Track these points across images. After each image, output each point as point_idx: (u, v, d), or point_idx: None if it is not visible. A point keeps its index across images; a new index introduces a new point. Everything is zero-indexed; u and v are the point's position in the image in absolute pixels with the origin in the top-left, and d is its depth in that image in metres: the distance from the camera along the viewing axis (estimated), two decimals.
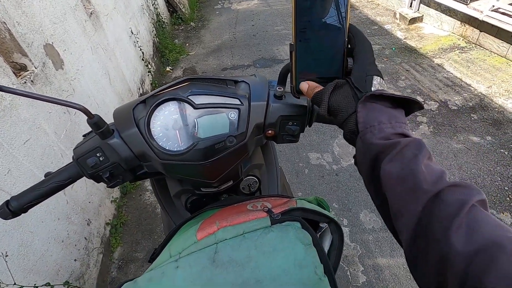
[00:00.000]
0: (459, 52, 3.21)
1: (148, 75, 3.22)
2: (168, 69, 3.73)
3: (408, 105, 0.40)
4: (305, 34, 0.43)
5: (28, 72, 1.33)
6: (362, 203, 1.92)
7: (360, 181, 2.06)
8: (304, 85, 0.45)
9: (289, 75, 0.49)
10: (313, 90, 0.44)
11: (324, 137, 2.43)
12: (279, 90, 0.56)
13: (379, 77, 0.41)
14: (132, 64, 2.78)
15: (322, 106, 0.42)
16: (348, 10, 0.41)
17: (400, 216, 0.34)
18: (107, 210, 1.86)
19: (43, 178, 0.56)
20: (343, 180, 2.08)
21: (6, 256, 1.04)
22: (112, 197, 1.97)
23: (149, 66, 3.27)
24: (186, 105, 0.53)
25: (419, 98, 2.67)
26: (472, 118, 2.42)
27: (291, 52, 0.45)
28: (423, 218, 0.31)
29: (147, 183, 2.20)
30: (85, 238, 1.56)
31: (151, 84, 3.26)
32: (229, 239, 0.46)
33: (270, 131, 0.58)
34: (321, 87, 0.44)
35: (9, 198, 0.53)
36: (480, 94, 2.65)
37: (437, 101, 2.64)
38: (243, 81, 0.58)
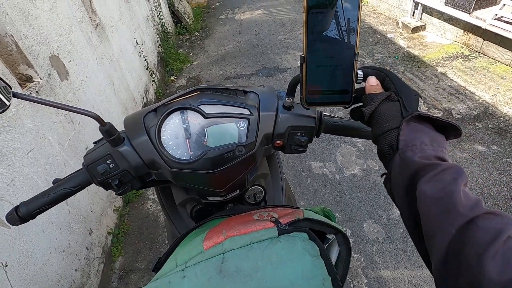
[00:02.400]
0: (462, 61, 3.20)
1: (152, 84, 3.26)
2: (172, 78, 3.77)
3: (448, 131, 0.41)
4: (315, 46, 0.43)
5: (33, 83, 1.36)
6: (365, 213, 1.90)
7: (364, 191, 2.04)
8: (374, 81, 0.45)
9: (298, 86, 0.50)
10: (371, 89, 0.45)
11: (327, 146, 2.42)
12: (288, 100, 0.57)
13: (421, 99, 0.43)
14: (136, 74, 2.82)
15: (368, 108, 0.43)
16: (359, 23, 0.42)
17: (432, 236, 0.34)
18: (109, 219, 1.86)
19: (51, 185, 0.57)
20: (346, 190, 2.06)
21: (6, 266, 1.04)
22: (114, 206, 1.97)
23: (154, 76, 3.31)
24: (196, 114, 0.53)
25: (423, 107, 2.65)
26: (477, 127, 2.40)
27: (301, 64, 0.45)
28: (457, 240, 0.31)
29: (150, 192, 2.20)
30: (86, 248, 1.56)
31: (155, 93, 3.30)
32: (236, 249, 0.46)
33: (278, 141, 0.58)
34: (379, 91, 0.45)
35: (18, 204, 0.54)
36: (484, 103, 2.63)
37: (441, 110, 2.62)
38: (252, 91, 0.59)
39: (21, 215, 0.53)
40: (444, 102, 2.70)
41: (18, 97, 0.45)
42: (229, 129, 0.53)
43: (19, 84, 1.27)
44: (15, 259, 1.11)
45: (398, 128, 0.40)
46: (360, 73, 0.45)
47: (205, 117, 0.53)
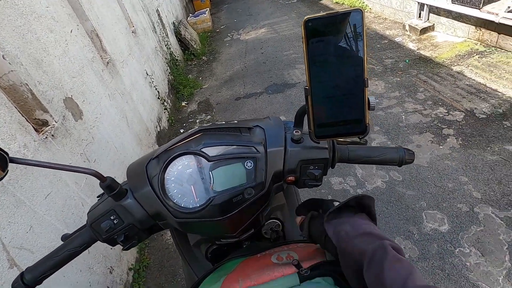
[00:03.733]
0: (478, 57, 3.08)
1: (164, 112, 3.32)
2: (183, 104, 3.84)
3: (364, 205, 0.47)
4: (320, 76, 0.41)
5: (49, 127, 1.39)
6: (394, 229, 1.78)
7: (389, 205, 1.93)
8: (298, 219, 0.56)
9: (305, 117, 0.47)
10: (299, 222, 0.55)
11: None
12: (296, 134, 0.53)
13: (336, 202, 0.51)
14: (148, 104, 2.88)
15: (304, 233, 0.52)
16: (365, 47, 0.38)
17: None
18: (129, 254, 1.84)
19: (60, 242, 0.56)
20: None
21: None
22: None
23: (165, 104, 3.38)
24: (200, 158, 0.51)
25: (442, 109, 2.54)
26: (505, 126, 2.25)
27: (306, 97, 0.42)
28: None
29: None
30: (108, 287, 1.53)
31: (168, 120, 3.35)
32: None
33: (290, 177, 0.54)
34: (306, 218, 0.53)
35: (23, 270, 0.53)
36: (509, 99, 2.48)
37: (462, 111, 2.49)
38: (257, 125, 0.56)
39: (26, 282, 0.51)
40: (465, 103, 2.57)
41: (15, 163, 0.44)
42: (236, 171, 0.50)
43: (35, 129, 1.30)
44: None
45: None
46: (372, 99, 0.41)
47: (209, 161, 0.50)
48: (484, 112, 2.43)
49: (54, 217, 1.26)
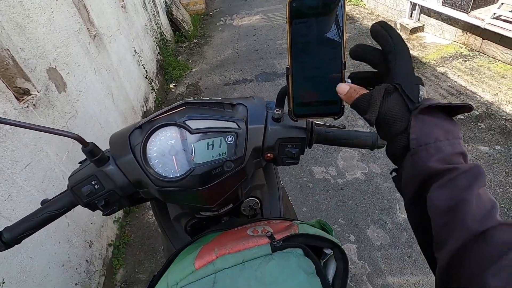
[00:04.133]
0: (462, 60, 3.19)
1: (151, 92, 3.26)
2: (171, 85, 3.78)
3: (455, 111, 0.36)
4: (301, 57, 0.42)
5: (30, 96, 1.35)
6: (369, 218, 1.87)
7: (366, 195, 2.01)
8: (344, 87, 0.40)
9: (286, 98, 0.48)
10: (357, 92, 0.39)
11: (328, 150, 2.40)
12: (277, 112, 0.55)
13: (424, 87, 0.37)
14: (135, 83, 2.82)
15: (371, 113, 0.37)
16: (344, 32, 0.40)
17: (439, 245, 0.32)
18: (110, 231, 1.85)
19: (40, 206, 0.55)
20: (348, 195, 2.04)
21: (3, 283, 1.03)
22: (115, 217, 1.96)
23: (153, 84, 3.32)
24: (183, 130, 0.52)
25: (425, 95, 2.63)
26: (480, 127, 2.37)
27: (287, 76, 0.44)
28: (460, 255, 0.30)
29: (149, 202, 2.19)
30: (87, 260, 1.54)
31: (155, 101, 3.30)
32: (228, 268, 0.44)
33: (269, 154, 0.57)
34: (366, 90, 0.39)
35: (2, 229, 0.53)
36: (486, 102, 2.60)
37: None
38: (240, 103, 0.57)
39: (5, 240, 0.51)
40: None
41: None
42: (217, 144, 0.52)
43: (16, 98, 1.26)
44: (13, 275, 1.09)
45: (407, 127, 0.35)
46: (348, 82, 0.43)
47: (191, 133, 0.52)
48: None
49: (33, 187, 1.25)
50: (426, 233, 0.34)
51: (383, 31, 0.38)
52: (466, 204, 0.30)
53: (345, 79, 0.43)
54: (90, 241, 1.60)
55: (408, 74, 0.36)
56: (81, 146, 0.50)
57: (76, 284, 1.42)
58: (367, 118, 0.38)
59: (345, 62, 0.41)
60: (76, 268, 1.45)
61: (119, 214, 2.03)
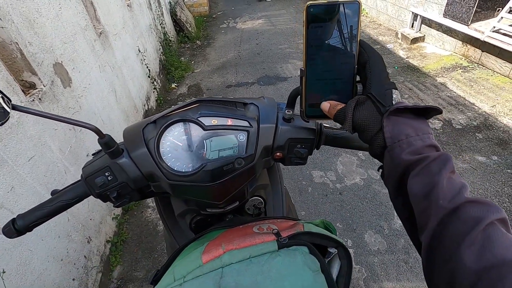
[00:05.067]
0: (461, 72, 3.24)
1: (153, 91, 3.27)
2: (173, 85, 3.80)
3: (427, 113, 0.41)
4: (315, 59, 0.44)
5: (36, 90, 1.36)
6: (366, 224, 1.88)
7: (365, 201, 2.03)
8: (325, 105, 0.46)
9: (298, 98, 0.50)
10: (335, 108, 0.44)
11: (328, 155, 2.42)
12: (288, 113, 0.57)
13: (396, 90, 0.41)
14: (138, 81, 2.83)
15: (346, 123, 0.42)
16: (358, 37, 0.42)
17: (422, 230, 0.35)
18: (108, 227, 1.85)
19: (49, 196, 0.56)
20: (347, 200, 2.05)
21: (4, 273, 1.03)
22: (114, 214, 1.96)
23: (155, 83, 3.33)
24: (196, 126, 0.53)
25: (399, 98, 2.66)
26: (477, 137, 2.40)
27: (301, 77, 0.46)
28: (438, 233, 0.32)
29: (149, 200, 2.19)
30: (85, 256, 1.54)
31: (156, 100, 3.31)
32: (235, 263, 0.45)
33: (278, 154, 0.58)
34: (343, 105, 0.44)
35: (15, 216, 0.54)
36: (484, 113, 2.64)
37: (441, 120, 2.63)
38: (252, 103, 0.58)
39: (18, 228, 0.52)
40: (444, 113, 2.71)
41: (17, 110, 0.44)
42: (229, 141, 0.53)
43: (23, 91, 1.27)
44: (13, 267, 1.09)
45: (381, 128, 0.40)
46: (360, 87, 0.44)
47: (204, 129, 0.53)
48: (460, 123, 2.58)
49: (36, 180, 1.25)
50: (412, 222, 0.38)
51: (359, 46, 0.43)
52: (437, 187, 0.34)
53: (356, 84, 0.45)
54: (89, 237, 1.60)
55: (380, 82, 0.41)
56: (97, 138, 0.50)
57: (73, 279, 1.42)
58: (344, 128, 0.43)
59: (358, 66, 0.43)
60: (74, 264, 1.44)
61: (118, 211, 2.03)
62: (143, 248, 1.89)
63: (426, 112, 0.41)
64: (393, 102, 0.40)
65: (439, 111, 0.40)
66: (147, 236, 1.95)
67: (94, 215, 1.70)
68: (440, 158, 0.36)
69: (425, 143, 0.38)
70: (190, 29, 5.16)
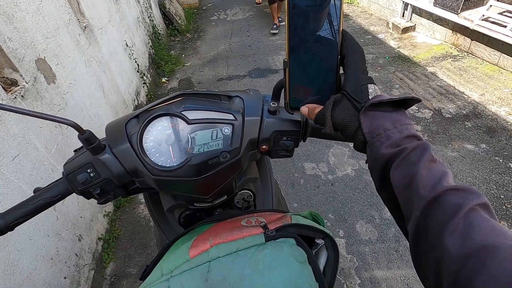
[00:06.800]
0: (451, 61, 3.25)
1: (143, 86, 3.22)
2: (163, 80, 3.74)
3: (406, 103, 0.41)
4: (298, 50, 0.43)
5: (18, 87, 1.33)
6: (358, 214, 1.91)
7: (356, 191, 2.05)
8: (304, 109, 0.46)
9: (283, 90, 0.49)
10: (314, 111, 0.44)
11: (320, 146, 2.43)
12: (273, 105, 0.56)
13: (373, 85, 0.41)
14: (127, 76, 2.78)
15: (327, 125, 0.42)
16: (341, 26, 0.41)
17: (408, 220, 0.35)
18: (100, 225, 1.83)
19: (32, 194, 0.55)
20: (338, 191, 2.07)
21: None
22: (105, 211, 1.94)
23: (145, 78, 3.28)
24: (180, 120, 0.52)
25: (413, 106, 2.68)
26: (466, 126, 2.43)
27: (284, 69, 0.45)
28: (422, 223, 0.33)
29: (141, 196, 2.18)
30: (76, 254, 1.53)
31: (147, 95, 3.27)
32: (222, 257, 0.45)
33: (264, 146, 0.57)
34: (321, 107, 0.44)
35: None
36: (473, 102, 2.67)
37: (431, 109, 2.65)
38: (237, 96, 0.58)
39: None
40: (434, 102, 2.73)
41: None
42: (213, 135, 0.52)
43: (3, 88, 1.24)
44: (1, 268, 1.08)
45: (359, 125, 0.40)
46: (343, 78, 0.44)
47: (188, 123, 0.52)
48: (450, 112, 2.60)
49: (21, 180, 1.23)
50: (399, 212, 0.38)
51: (341, 37, 0.43)
52: (417, 177, 0.34)
53: (340, 75, 0.44)
54: (80, 235, 1.59)
55: (356, 78, 0.41)
56: (76, 134, 0.49)
57: (65, 277, 1.41)
58: (325, 130, 0.43)
59: (340, 57, 0.43)
60: (65, 262, 1.43)
61: (110, 208, 2.02)
62: (136, 244, 1.88)
63: (405, 103, 0.41)
64: (369, 97, 0.40)
65: (418, 100, 0.40)
66: (140, 232, 1.95)
67: (85, 213, 1.68)
68: (418, 148, 0.36)
69: (403, 134, 0.38)
70: (179, 21, 5.06)
